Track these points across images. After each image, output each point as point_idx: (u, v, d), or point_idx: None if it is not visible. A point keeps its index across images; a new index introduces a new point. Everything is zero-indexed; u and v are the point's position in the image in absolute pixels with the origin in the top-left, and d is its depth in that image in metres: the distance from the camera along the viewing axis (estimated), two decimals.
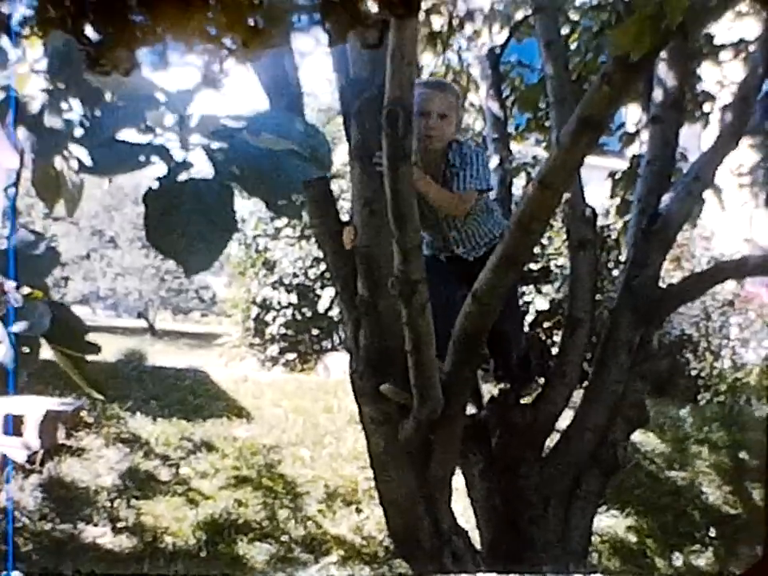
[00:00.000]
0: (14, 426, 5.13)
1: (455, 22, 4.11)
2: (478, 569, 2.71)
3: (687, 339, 8.42)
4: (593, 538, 3.54)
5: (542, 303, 7.85)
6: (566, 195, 2.91)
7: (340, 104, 2.66)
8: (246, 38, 0.95)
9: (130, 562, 4.67)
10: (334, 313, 8.33)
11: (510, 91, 4.24)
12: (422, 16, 3.79)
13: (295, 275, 8.83)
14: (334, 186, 4.23)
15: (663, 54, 3.01)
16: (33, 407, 5.27)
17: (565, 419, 3.10)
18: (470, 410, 2.97)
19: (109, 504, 5.07)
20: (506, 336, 2.92)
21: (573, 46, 4.10)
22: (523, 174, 4.41)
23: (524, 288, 7.66)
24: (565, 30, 3.93)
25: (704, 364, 8.31)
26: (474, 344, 2.56)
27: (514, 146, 4.10)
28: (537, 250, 7.47)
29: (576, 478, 3.04)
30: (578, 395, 3.13)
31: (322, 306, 8.64)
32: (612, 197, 4.28)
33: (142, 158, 1.49)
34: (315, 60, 1.98)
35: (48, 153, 1.70)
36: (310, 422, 6.47)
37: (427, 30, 4.16)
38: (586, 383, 3.17)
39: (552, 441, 3.14)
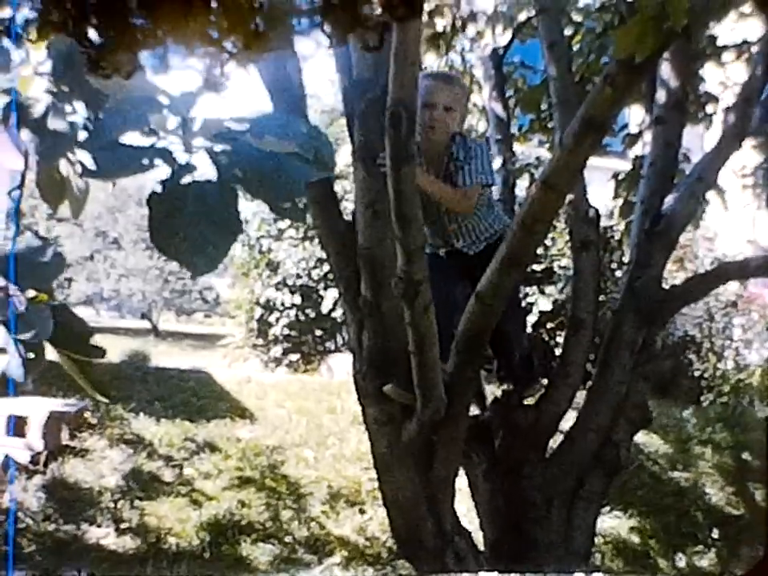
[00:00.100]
0: (18, 426, 5.14)
1: (458, 23, 4.10)
2: (480, 569, 2.71)
3: (690, 340, 8.41)
4: (596, 539, 3.53)
5: (545, 304, 7.84)
6: (570, 196, 2.91)
7: (343, 105, 2.66)
8: (248, 41, 0.95)
9: (134, 562, 4.68)
10: (338, 314, 8.33)
11: (513, 92, 4.24)
12: (424, 17, 3.78)
13: (298, 276, 8.82)
14: (337, 187, 4.24)
15: (666, 55, 3.00)
16: (36, 408, 5.27)
17: (568, 420, 3.10)
18: (474, 410, 2.97)
19: (112, 505, 5.07)
20: (508, 336, 2.92)
21: (576, 48, 4.10)
22: (526, 175, 4.41)
23: (527, 289, 7.65)
24: (568, 32, 3.93)
25: (707, 365, 8.29)
26: (476, 344, 2.56)
27: (517, 147, 4.10)
28: (540, 250, 7.46)
29: (579, 479, 3.04)
30: (581, 396, 3.13)
31: (325, 307, 8.64)
32: (615, 198, 4.28)
33: (145, 161, 1.49)
34: (318, 61, 1.98)
35: (52, 155, 1.70)
36: (313, 422, 6.46)
37: (430, 31, 4.16)
38: (589, 384, 3.17)
39: (555, 441, 3.14)
